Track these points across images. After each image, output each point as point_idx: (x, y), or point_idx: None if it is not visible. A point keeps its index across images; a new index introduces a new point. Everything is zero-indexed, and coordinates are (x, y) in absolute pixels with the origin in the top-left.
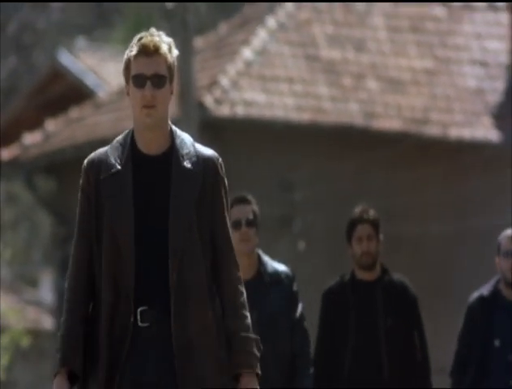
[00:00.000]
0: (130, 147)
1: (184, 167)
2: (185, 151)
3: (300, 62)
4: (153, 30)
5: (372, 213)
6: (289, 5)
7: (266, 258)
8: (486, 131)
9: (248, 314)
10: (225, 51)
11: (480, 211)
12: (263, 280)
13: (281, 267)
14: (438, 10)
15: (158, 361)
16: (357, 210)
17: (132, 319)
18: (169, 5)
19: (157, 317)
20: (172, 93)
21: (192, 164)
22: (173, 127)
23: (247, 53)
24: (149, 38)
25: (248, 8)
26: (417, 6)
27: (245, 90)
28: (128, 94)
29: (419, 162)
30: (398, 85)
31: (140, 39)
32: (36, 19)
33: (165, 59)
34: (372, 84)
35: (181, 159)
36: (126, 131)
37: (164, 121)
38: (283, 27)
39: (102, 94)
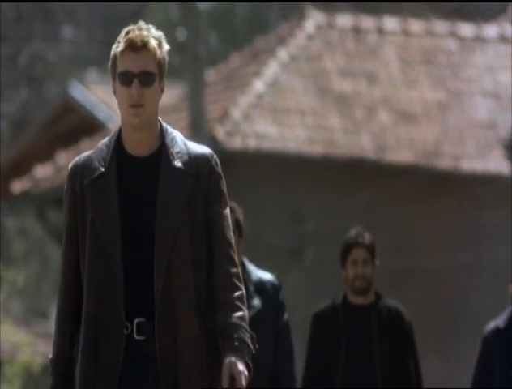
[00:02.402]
0: (116, 148)
1: (174, 166)
2: (175, 149)
3: (311, 95)
4: (142, 23)
5: (368, 237)
6: (301, 37)
7: (250, 267)
8: (498, 164)
9: (245, 308)
10: (237, 83)
11: (492, 243)
12: (247, 289)
13: (266, 276)
14: (450, 42)
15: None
16: (353, 233)
17: (126, 331)
18: (181, 37)
19: (151, 329)
20: (162, 91)
21: (183, 162)
22: (164, 125)
23: (259, 85)
24: (137, 32)
25: (259, 40)
26: (429, 38)
27: (256, 122)
28: (115, 93)
29: (431, 195)
30: (409, 117)
31: (127, 33)
32: (47, 52)
33: (154, 55)
34: (384, 117)
35: (171, 158)
36: (112, 133)
37: (153, 121)
38: (294, 59)
39: (113, 126)
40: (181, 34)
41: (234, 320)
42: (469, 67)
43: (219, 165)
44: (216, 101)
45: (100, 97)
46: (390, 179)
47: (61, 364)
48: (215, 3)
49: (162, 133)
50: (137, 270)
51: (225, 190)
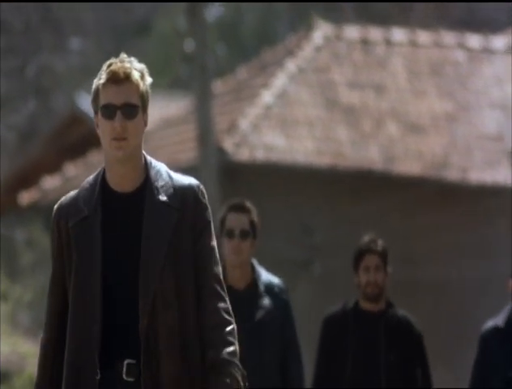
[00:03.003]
0: (101, 186)
1: (158, 200)
2: (160, 183)
3: (319, 106)
4: (124, 56)
5: (380, 244)
6: (309, 49)
7: (260, 269)
8: (506, 175)
9: (236, 342)
10: (244, 95)
11: (501, 254)
12: (257, 290)
13: (275, 280)
14: (458, 53)
15: None
16: (366, 239)
17: (100, 375)
18: (188, 49)
19: (138, 370)
20: (145, 125)
21: (168, 196)
22: (148, 158)
23: (267, 96)
24: (119, 64)
25: (267, 52)
26: (437, 49)
27: (264, 134)
28: (97, 126)
29: (439, 206)
30: (417, 129)
31: (109, 65)
32: (54, 63)
33: (137, 87)
34: (391, 128)
35: (156, 192)
36: (98, 170)
37: (137, 154)
38: (302, 70)
39: None
40: (189, 45)
41: (225, 356)
42: (477, 79)
43: (206, 196)
44: (224, 113)
45: None
46: (398, 190)
47: None
48: (223, 14)
49: (146, 166)
50: (120, 310)
51: (211, 221)
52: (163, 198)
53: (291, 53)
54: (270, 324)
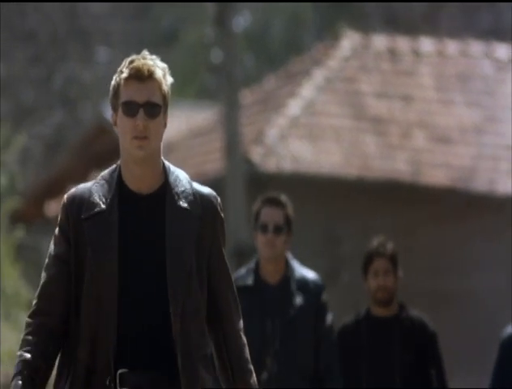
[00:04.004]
0: (117, 184)
1: (180, 206)
2: (180, 188)
3: (347, 116)
4: (146, 53)
5: (390, 246)
6: (336, 58)
7: (294, 264)
8: None
9: (253, 369)
10: (272, 105)
11: None
12: (289, 286)
13: (310, 275)
14: (485, 63)
15: None
16: (375, 242)
17: (113, 381)
18: (216, 59)
19: (140, 379)
20: (165, 126)
21: (189, 203)
22: (166, 163)
23: (294, 106)
24: (142, 61)
25: (294, 61)
26: (464, 59)
27: (291, 144)
28: (115, 124)
29: (466, 217)
30: (445, 139)
31: (132, 62)
32: (81, 73)
33: (160, 86)
34: (419, 139)
35: (176, 197)
36: (113, 166)
37: (157, 156)
38: (329, 80)
39: None
40: (216, 55)
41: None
42: (505, 89)
43: (222, 209)
44: (251, 123)
45: None
46: (425, 201)
47: (28, 371)
48: (251, 24)
49: (165, 170)
50: (137, 312)
51: (225, 236)
52: (184, 204)
53: (318, 62)
54: (302, 322)
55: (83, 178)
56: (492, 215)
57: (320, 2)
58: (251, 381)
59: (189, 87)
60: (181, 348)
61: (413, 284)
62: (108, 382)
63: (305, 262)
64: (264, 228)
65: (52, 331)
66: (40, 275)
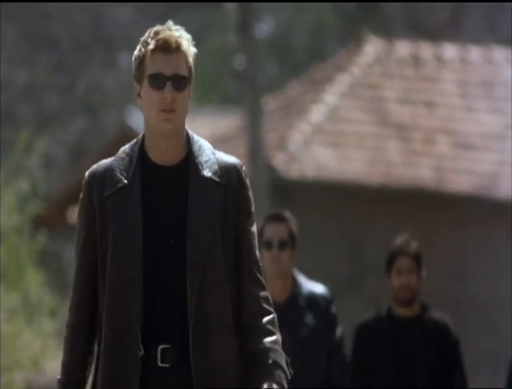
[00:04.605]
0: (139, 157)
1: (203, 176)
2: (203, 158)
3: (370, 122)
4: (171, 23)
5: (414, 245)
6: (359, 65)
7: (301, 279)
8: None
9: (277, 332)
10: (295, 111)
11: None
12: (298, 303)
13: (318, 289)
14: (509, 70)
15: None
16: (399, 240)
17: (143, 358)
18: (239, 65)
19: (178, 355)
20: (190, 98)
21: (212, 172)
22: (190, 132)
23: (317, 113)
24: (168, 33)
25: (318, 68)
26: (488, 65)
27: (314, 151)
28: (139, 96)
29: (489, 223)
30: (468, 146)
31: (157, 33)
32: (104, 80)
33: (186, 58)
34: (442, 145)
35: (200, 167)
36: (134, 140)
37: (182, 128)
38: (353, 87)
39: None
40: (239, 61)
41: (267, 345)
42: None
43: (248, 176)
44: (275, 129)
45: None
46: (448, 208)
47: (71, 386)
48: (274, 30)
49: (188, 140)
50: (164, 289)
51: (253, 206)
52: (208, 173)
53: (341, 69)
54: (314, 341)
55: None
56: None
57: (343, 9)
58: (269, 340)
59: (213, 93)
60: (193, 323)
61: (436, 290)
62: (140, 357)
63: (328, 269)
64: (269, 245)
65: (88, 323)
66: (62, 281)
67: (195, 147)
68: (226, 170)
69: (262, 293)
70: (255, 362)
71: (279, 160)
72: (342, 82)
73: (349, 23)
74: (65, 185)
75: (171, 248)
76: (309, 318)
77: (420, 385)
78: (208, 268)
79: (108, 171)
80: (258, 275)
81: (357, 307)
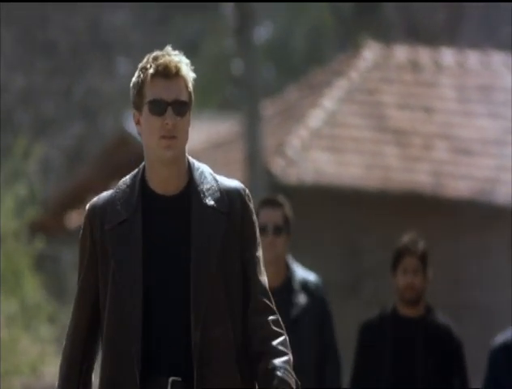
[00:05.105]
0: (141, 188)
1: (205, 204)
2: (205, 186)
3: (368, 127)
4: (169, 48)
5: (421, 244)
6: (358, 70)
7: (295, 266)
8: None
9: (289, 352)
10: (293, 116)
11: None
12: (291, 287)
13: (310, 277)
14: (506, 74)
15: None
16: (406, 239)
17: None
18: (237, 70)
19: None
20: (189, 125)
21: (215, 200)
22: (190, 159)
23: (315, 118)
24: (168, 58)
25: (316, 72)
26: (486, 70)
27: (313, 156)
28: (138, 123)
29: (488, 228)
30: (467, 151)
31: (156, 58)
32: (101, 84)
33: (186, 83)
34: (441, 152)
35: (202, 196)
36: (135, 171)
37: (183, 156)
38: (351, 91)
39: None
40: (237, 66)
41: (277, 364)
42: None
43: (251, 200)
44: (273, 134)
45: None
46: (446, 213)
47: None
48: (272, 35)
49: (190, 168)
50: (165, 325)
51: (258, 228)
52: (210, 202)
53: (340, 74)
54: (307, 323)
55: (104, 190)
56: None
57: (341, 13)
58: (277, 361)
59: (211, 98)
60: (198, 361)
61: (434, 295)
62: None
63: (326, 274)
64: (264, 230)
65: (83, 355)
66: (60, 286)
67: (196, 175)
68: (228, 196)
69: (272, 318)
70: (263, 380)
71: (277, 165)
72: (340, 87)
73: (347, 28)
74: (62, 190)
75: (172, 283)
76: (302, 299)
77: (419, 386)
78: (211, 300)
79: (109, 204)
80: (267, 301)
81: (355, 312)
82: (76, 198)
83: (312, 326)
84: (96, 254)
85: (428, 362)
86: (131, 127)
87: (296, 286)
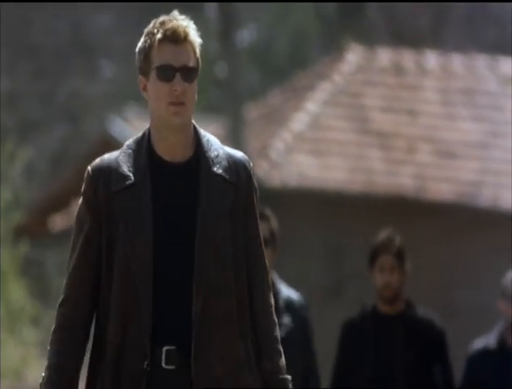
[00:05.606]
0: (147, 153)
1: (214, 173)
2: (213, 153)
3: (352, 131)
4: (176, 13)
5: (397, 241)
6: (341, 73)
7: (280, 285)
8: None
9: (282, 350)
10: (277, 119)
11: None
12: (277, 307)
13: (294, 295)
14: (491, 78)
15: None
16: (382, 236)
17: (149, 361)
18: (220, 73)
19: (184, 357)
20: (196, 91)
21: (223, 169)
22: (197, 127)
23: (299, 121)
24: (176, 22)
25: (299, 76)
26: (469, 73)
27: (296, 159)
28: (144, 89)
29: (471, 232)
30: (450, 155)
31: (163, 23)
32: (85, 87)
33: (194, 49)
34: (424, 155)
35: (210, 164)
36: (139, 135)
37: (190, 123)
38: (334, 95)
39: None
40: (221, 69)
41: (280, 376)
42: (509, 103)
43: (255, 174)
44: (256, 137)
45: (139, 132)
46: (430, 216)
47: (65, 385)
48: (255, 38)
49: (196, 135)
50: (172, 289)
51: (259, 204)
52: (218, 170)
53: (323, 77)
54: (291, 343)
55: None
56: (497, 229)
57: (325, 16)
58: (279, 362)
59: None
60: (197, 329)
61: (416, 298)
62: (145, 363)
63: (310, 277)
64: None
65: (84, 321)
66: (45, 290)
67: (204, 142)
68: (236, 166)
69: (272, 300)
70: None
71: (260, 168)
72: (324, 90)
73: (331, 31)
74: (46, 194)
75: (181, 250)
76: (286, 320)
77: (400, 383)
78: (216, 271)
79: (114, 166)
80: (267, 277)
81: (339, 314)
82: (60, 202)
83: (296, 345)
84: (100, 214)
85: (409, 357)
86: (115, 130)
87: (281, 306)
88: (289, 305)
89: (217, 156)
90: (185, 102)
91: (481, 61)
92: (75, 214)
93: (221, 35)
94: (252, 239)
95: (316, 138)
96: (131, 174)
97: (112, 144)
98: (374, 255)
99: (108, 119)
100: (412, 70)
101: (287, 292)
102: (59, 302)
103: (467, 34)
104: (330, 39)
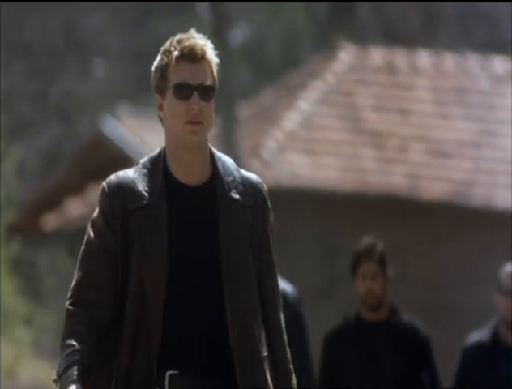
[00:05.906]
0: (164, 174)
1: (231, 198)
2: (230, 178)
3: (344, 130)
4: (193, 31)
5: (379, 248)
6: (333, 72)
7: None
8: None
9: (293, 370)
10: (269, 118)
11: None
12: None
13: (288, 288)
14: (483, 76)
15: None
16: (364, 243)
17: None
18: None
19: (192, 383)
20: (213, 111)
21: (240, 193)
22: (212, 148)
23: (291, 120)
24: (193, 40)
25: (292, 75)
26: (462, 72)
27: (288, 158)
28: (160, 108)
29: (464, 231)
30: (443, 154)
31: (180, 41)
32: (78, 86)
33: (211, 67)
34: (416, 154)
35: (227, 188)
36: (155, 154)
37: (207, 143)
38: (327, 94)
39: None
40: None
41: (289, 368)
42: (502, 102)
43: (268, 195)
44: (248, 136)
45: (132, 130)
46: (422, 215)
47: (84, 362)
48: (248, 37)
49: (212, 157)
50: (186, 318)
51: (271, 225)
52: (235, 195)
53: (315, 76)
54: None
55: (80, 191)
56: (490, 229)
57: (317, 15)
58: (293, 383)
59: None
60: (240, 355)
61: (409, 298)
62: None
63: (302, 277)
64: None
65: (102, 324)
66: (37, 289)
67: (219, 165)
68: (252, 190)
69: (282, 322)
70: (276, 375)
71: (253, 168)
72: (316, 89)
73: (323, 30)
74: (38, 193)
75: (198, 274)
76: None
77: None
78: (245, 296)
79: (131, 185)
80: (278, 298)
81: (331, 314)
82: (52, 201)
83: (290, 341)
84: (116, 230)
85: (396, 364)
86: (108, 129)
87: None
88: (284, 300)
89: (233, 180)
90: (203, 121)
91: (473, 60)
92: (91, 222)
93: (213, 34)
94: (265, 262)
95: (308, 137)
96: (147, 194)
97: (104, 143)
98: (356, 263)
99: (101, 118)
100: (405, 69)
101: (281, 285)
102: (70, 302)
103: (459, 33)
104: (323, 38)
